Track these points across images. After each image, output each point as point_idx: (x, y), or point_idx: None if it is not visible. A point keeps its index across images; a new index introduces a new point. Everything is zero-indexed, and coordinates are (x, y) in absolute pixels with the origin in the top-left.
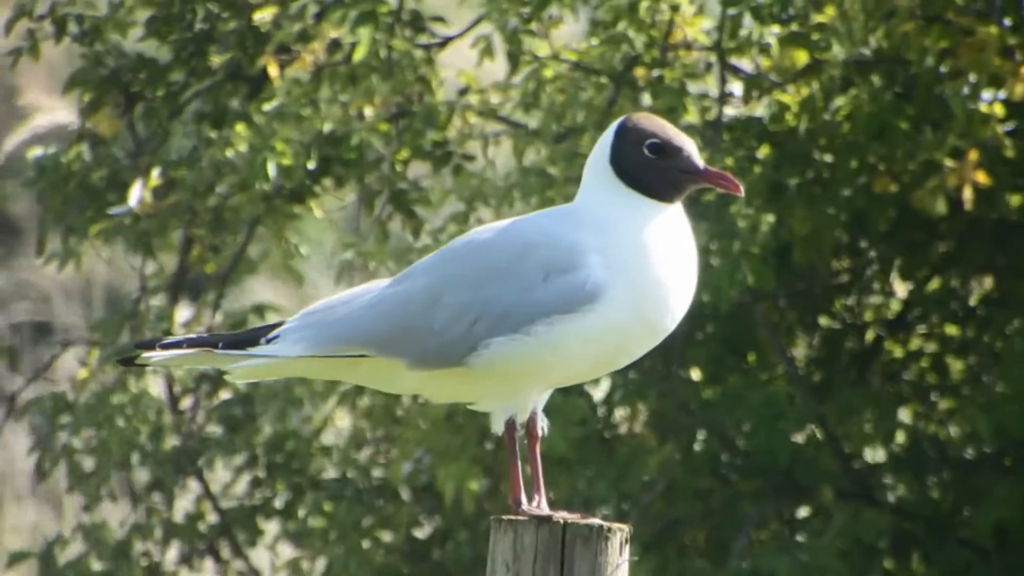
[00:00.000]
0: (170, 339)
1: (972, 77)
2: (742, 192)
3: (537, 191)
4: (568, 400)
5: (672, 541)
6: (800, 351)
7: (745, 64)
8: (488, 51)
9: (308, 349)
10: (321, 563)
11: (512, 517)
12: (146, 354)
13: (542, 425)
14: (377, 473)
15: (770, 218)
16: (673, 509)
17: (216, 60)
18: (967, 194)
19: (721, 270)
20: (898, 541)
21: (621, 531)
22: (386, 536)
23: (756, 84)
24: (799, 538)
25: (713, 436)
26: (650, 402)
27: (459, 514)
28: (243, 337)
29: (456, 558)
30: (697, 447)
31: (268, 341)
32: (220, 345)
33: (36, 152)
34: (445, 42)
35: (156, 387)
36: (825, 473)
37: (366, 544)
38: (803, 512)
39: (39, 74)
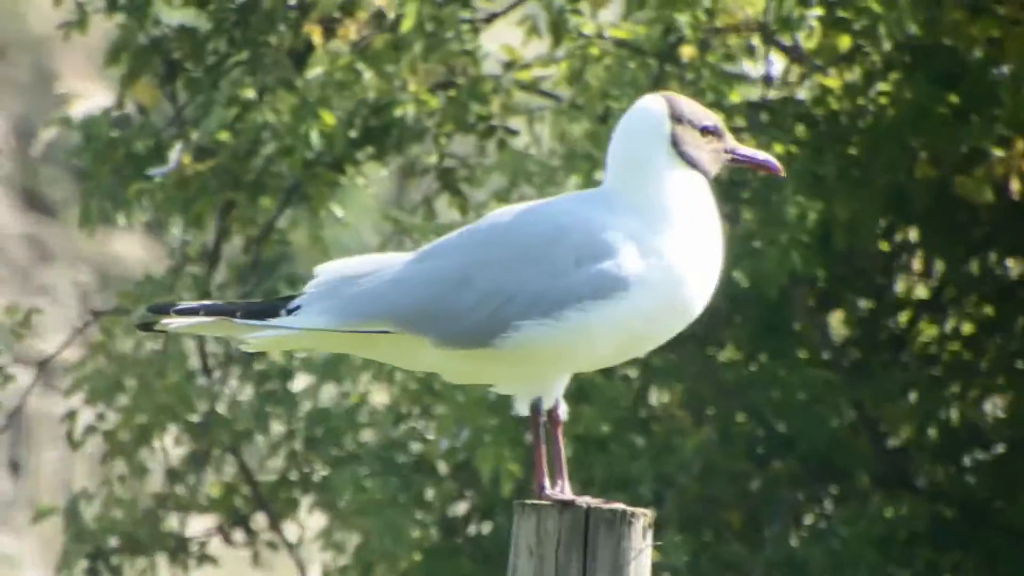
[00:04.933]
0: (185, 305)
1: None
2: (783, 172)
3: (584, 172)
4: (610, 382)
5: (708, 523)
6: (837, 333)
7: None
8: (534, 30)
9: (330, 322)
10: (355, 537)
11: (535, 501)
12: (164, 320)
13: (563, 411)
14: (415, 449)
15: (818, 206)
16: (709, 490)
17: (273, 39)
18: (1015, 184)
19: (770, 258)
20: (935, 527)
21: (644, 516)
22: (422, 512)
23: (800, 64)
24: (834, 524)
25: (751, 418)
26: (687, 384)
27: (497, 493)
28: (262, 307)
29: (493, 536)
30: (734, 429)
31: (288, 312)
32: (238, 314)
33: (74, 114)
34: (490, 18)
35: (192, 357)
36: (861, 458)
37: (402, 520)
38: (837, 498)
39: (78, 59)
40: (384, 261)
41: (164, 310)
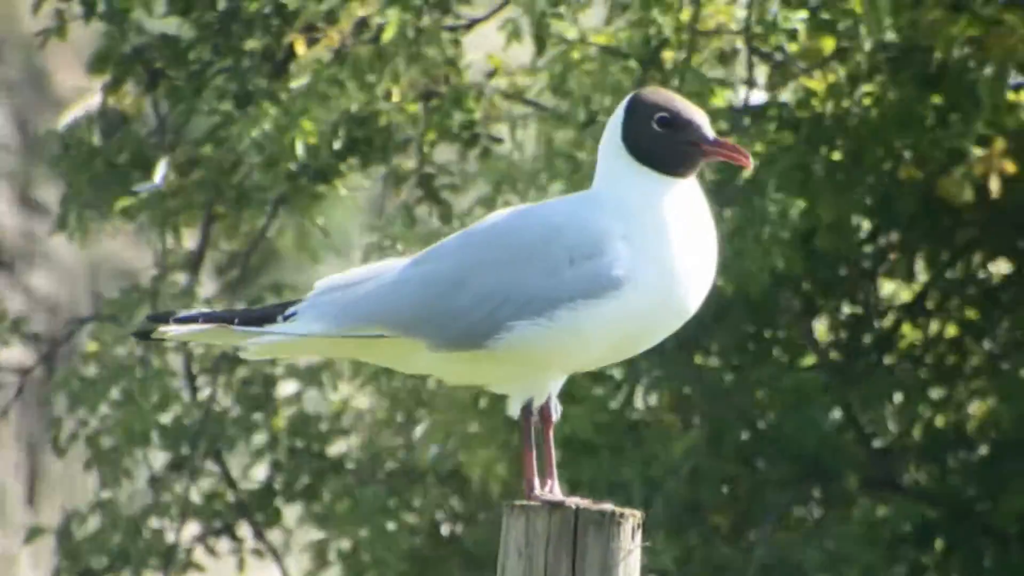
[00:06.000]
0: (185, 313)
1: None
2: (750, 164)
3: (564, 175)
4: (597, 385)
5: (696, 527)
6: (822, 337)
7: (771, 50)
8: (516, 34)
9: (327, 327)
10: (341, 544)
11: (525, 503)
12: (162, 328)
13: (556, 410)
14: (399, 456)
15: (800, 203)
16: (698, 494)
17: (250, 44)
18: (994, 183)
19: (751, 256)
20: (920, 529)
21: (633, 517)
22: (411, 519)
23: (783, 72)
24: (826, 524)
25: (740, 422)
26: (675, 388)
27: (486, 498)
28: (260, 313)
29: (482, 541)
30: (722, 432)
31: (285, 318)
32: (236, 321)
33: (61, 123)
34: (471, 24)
35: (176, 364)
36: (850, 460)
37: (392, 526)
38: (825, 499)
39: (69, 59)
40: (381, 268)
41: (163, 319)
